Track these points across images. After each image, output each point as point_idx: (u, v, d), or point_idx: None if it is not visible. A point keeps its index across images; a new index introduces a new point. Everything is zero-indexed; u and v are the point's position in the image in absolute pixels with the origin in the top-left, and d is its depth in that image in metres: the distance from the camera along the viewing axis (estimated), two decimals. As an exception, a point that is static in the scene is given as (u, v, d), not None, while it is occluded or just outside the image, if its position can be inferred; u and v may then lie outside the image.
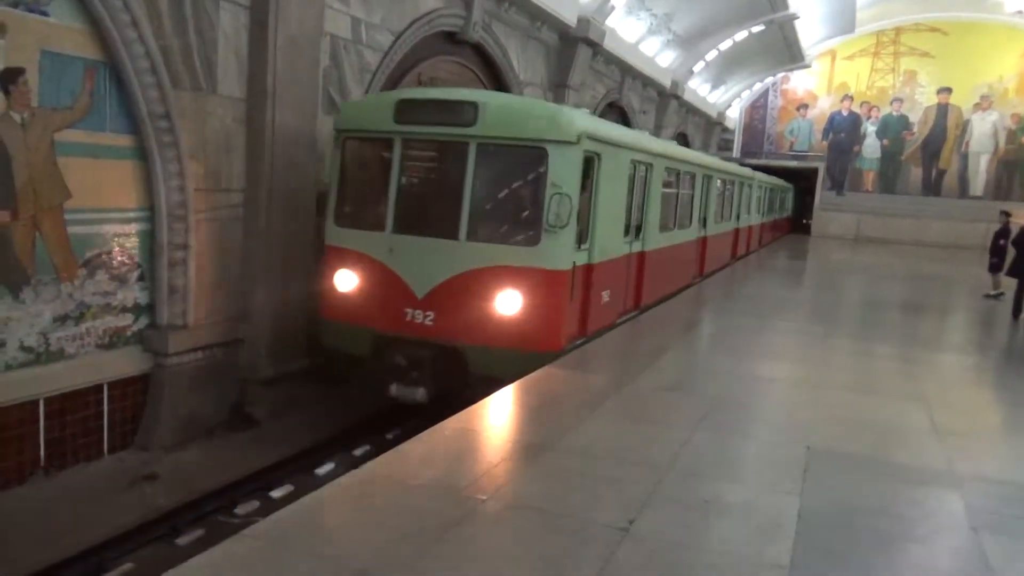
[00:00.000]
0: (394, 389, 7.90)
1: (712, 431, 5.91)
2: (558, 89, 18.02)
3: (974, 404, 7.85)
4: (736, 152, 37.75)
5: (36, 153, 7.18)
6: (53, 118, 7.29)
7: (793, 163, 37.11)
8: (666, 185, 11.78)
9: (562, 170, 7.69)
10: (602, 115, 19.62)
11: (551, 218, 7.51)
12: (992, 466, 5.57)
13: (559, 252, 7.76)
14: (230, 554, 3.56)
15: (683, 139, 30.23)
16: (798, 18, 26.99)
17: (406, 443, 5.08)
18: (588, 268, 8.50)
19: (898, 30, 35.75)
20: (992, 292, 16.03)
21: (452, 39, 13.78)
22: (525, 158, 7.88)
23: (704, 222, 15.26)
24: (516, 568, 3.60)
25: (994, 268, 16.06)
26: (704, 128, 34.58)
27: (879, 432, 6.20)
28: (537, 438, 5.37)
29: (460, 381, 7.79)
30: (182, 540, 6.65)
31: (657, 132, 25.14)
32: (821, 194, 37.53)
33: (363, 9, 10.98)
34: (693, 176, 13.87)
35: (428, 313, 7.88)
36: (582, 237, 8.26)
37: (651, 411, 6.41)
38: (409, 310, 7.94)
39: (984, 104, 34.80)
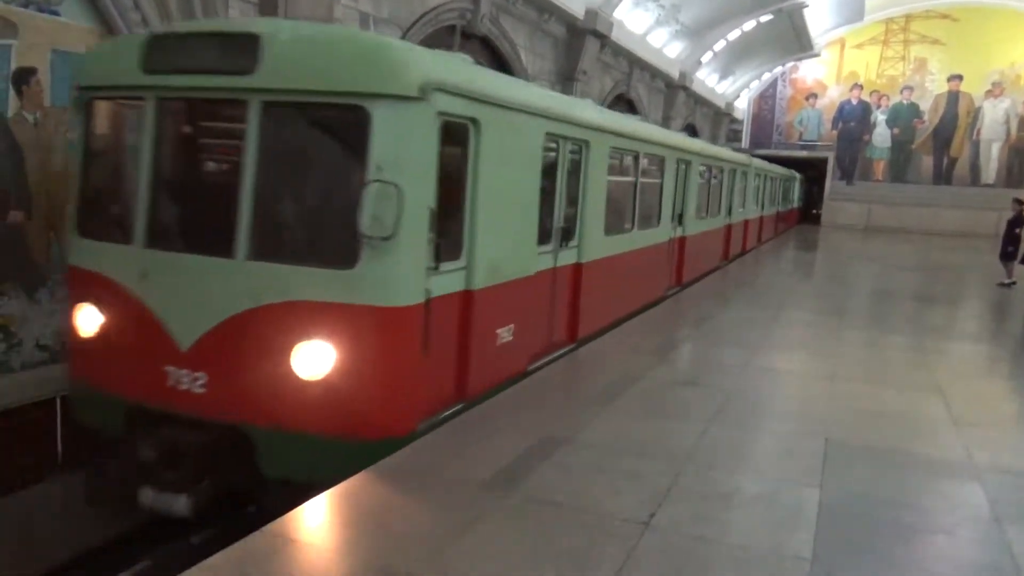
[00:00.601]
0: (144, 495, 5.07)
1: (728, 424, 5.88)
2: (566, 82, 17.96)
3: (991, 394, 7.80)
4: (745, 143, 37.59)
5: (49, 153, 7.20)
6: (65, 117, 7.30)
7: (802, 153, 36.97)
8: (615, 172, 9.05)
9: (393, 144, 4.81)
10: (610, 107, 19.41)
11: (367, 224, 4.66)
12: (1012, 457, 5.53)
13: (392, 278, 4.91)
14: (250, 551, 3.57)
15: (691, 130, 30.09)
16: (807, 6, 26.83)
17: (423, 438, 5.08)
18: (465, 297, 5.73)
19: (908, 17, 35.49)
20: (1006, 281, 15.92)
21: (460, 33, 13.75)
22: (335, 124, 5.13)
23: (680, 219, 12.39)
24: (537, 563, 3.59)
25: (1007, 256, 15.95)
26: (712, 119, 34.43)
27: (897, 423, 6.17)
28: (555, 432, 5.37)
29: (248, 483, 5.17)
30: (196, 538, 6.65)
31: (665, 123, 25.06)
32: (831, 184, 37.36)
33: (371, 4, 10.96)
34: (661, 161, 11.03)
35: (197, 375, 5.10)
36: (446, 251, 5.39)
37: (666, 405, 6.39)
38: (171, 369, 5.14)
39: (996, 91, 34.51)
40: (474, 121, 5.59)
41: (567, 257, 7.68)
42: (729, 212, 17.26)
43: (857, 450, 5.43)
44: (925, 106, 35.82)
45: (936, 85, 35.56)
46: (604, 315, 8.85)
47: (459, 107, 5.37)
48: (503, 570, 3.53)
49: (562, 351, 7.71)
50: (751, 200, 20.27)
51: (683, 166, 12.27)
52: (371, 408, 5.00)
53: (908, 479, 4.96)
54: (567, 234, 7.63)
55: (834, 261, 22.26)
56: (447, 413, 5.60)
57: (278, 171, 5.21)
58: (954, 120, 35.34)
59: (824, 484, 4.74)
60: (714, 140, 31.80)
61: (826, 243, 27.95)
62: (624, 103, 22.90)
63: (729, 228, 17.47)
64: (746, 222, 19.79)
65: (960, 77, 34.96)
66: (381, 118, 4.80)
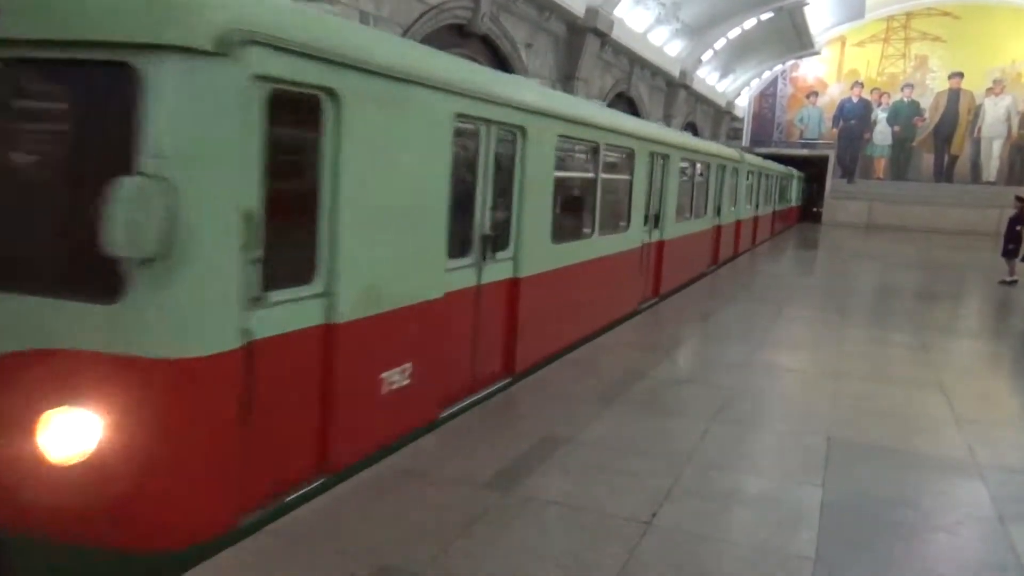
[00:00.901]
0: None
1: (730, 423, 5.87)
2: (567, 80, 17.95)
3: (993, 392, 7.78)
4: (745, 141, 37.56)
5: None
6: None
7: (803, 151, 36.92)
8: (566, 166, 7.79)
9: (180, 120, 3.36)
10: (611, 106, 19.26)
11: (117, 237, 3.13)
12: (1015, 455, 5.52)
13: (179, 315, 3.43)
14: (252, 551, 3.56)
15: (692, 128, 30.10)
16: (807, 4, 26.82)
17: (424, 437, 5.07)
18: (325, 335, 4.18)
19: (909, 15, 35.45)
20: (1007, 278, 15.90)
21: (460, 31, 13.76)
22: (95, 91, 3.56)
23: (657, 220, 11.00)
24: (540, 563, 3.58)
25: (1009, 254, 15.94)
26: (713, 117, 34.41)
27: (899, 421, 6.16)
28: (555, 431, 5.36)
29: None
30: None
31: (666, 122, 25.04)
32: (832, 182, 37.34)
33: (372, 3, 10.94)
34: (630, 154, 9.55)
35: None
36: (287, 274, 3.93)
37: (668, 404, 6.38)
38: None
39: (997, 88, 34.48)
40: (331, 93, 4.04)
41: (498, 271, 6.20)
42: (718, 212, 15.89)
43: (859, 448, 5.42)
44: (926, 104, 35.78)
45: (937, 83, 35.51)
46: (555, 338, 7.46)
47: (301, 71, 3.80)
48: (504, 570, 3.52)
49: (495, 386, 6.28)
50: (743, 199, 19.00)
51: (659, 161, 10.85)
52: (156, 503, 3.46)
53: (910, 477, 4.95)
54: (498, 243, 6.13)
55: (834, 261, 22.16)
56: (299, 494, 4.11)
57: (16, 160, 3.76)
58: (955, 118, 35.30)
59: (826, 483, 4.73)
60: (715, 138, 31.78)
61: (826, 242, 27.90)
62: (625, 102, 22.89)
63: (718, 230, 16.10)
64: (738, 223, 18.53)
65: (961, 75, 34.92)
66: (159, 81, 3.28)
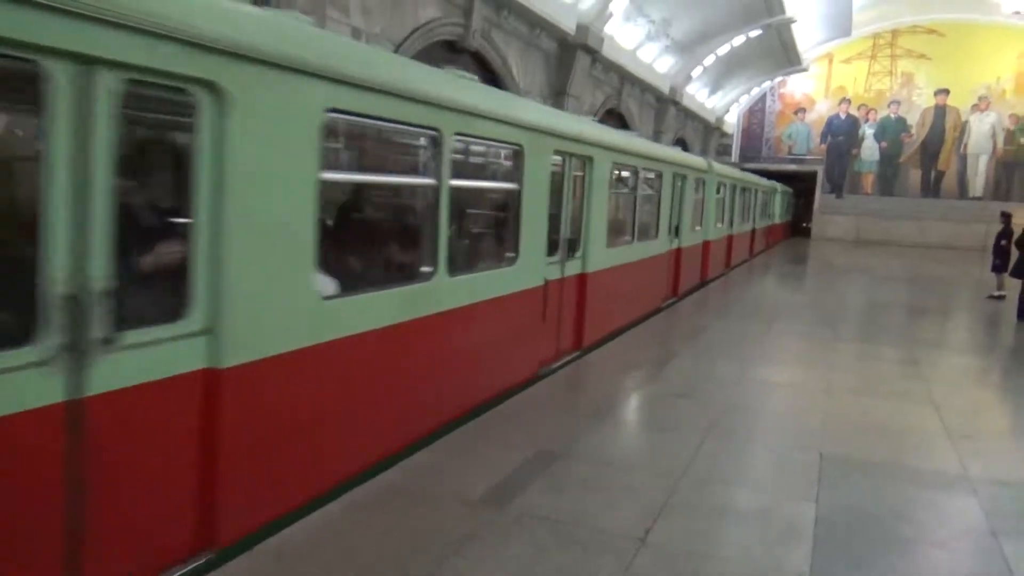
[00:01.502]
0: None
1: (723, 438, 5.86)
2: (558, 96, 18.05)
3: (984, 406, 7.80)
4: (734, 157, 37.84)
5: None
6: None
7: (792, 167, 37.21)
8: (356, 165, 5.89)
9: None
10: (601, 122, 19.16)
11: None
12: (1006, 469, 5.52)
13: None
14: (242, 571, 3.51)
15: (682, 144, 30.29)
16: (795, 22, 27.10)
17: (416, 454, 5.03)
18: None
19: (895, 32, 35.91)
20: (995, 293, 16.03)
21: (452, 48, 13.83)
22: None
23: (574, 247, 8.15)
24: (533, 580, 3.55)
25: (997, 269, 16.07)
26: (703, 133, 34.65)
27: (891, 436, 6.16)
28: (549, 447, 5.33)
29: None
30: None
31: (656, 137, 25.19)
32: (820, 197, 37.63)
33: (363, 20, 10.99)
34: (517, 154, 6.57)
35: None
36: None
37: (661, 419, 6.37)
38: None
39: (982, 105, 34.90)
40: None
41: (155, 364, 3.25)
42: (676, 233, 13.02)
43: (852, 463, 5.41)
44: (912, 120, 36.16)
45: (923, 99, 35.93)
46: (338, 461, 4.47)
47: None
48: (498, 588, 3.49)
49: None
50: (712, 216, 16.16)
51: (574, 165, 7.95)
52: None
53: (903, 492, 4.95)
54: (147, 307, 3.37)
55: (821, 279, 22.01)
56: None
57: None
58: (941, 134, 35.70)
59: (820, 498, 4.72)
60: (704, 154, 31.95)
61: (814, 259, 27.98)
62: (615, 117, 23.02)
63: (678, 254, 13.29)
64: (706, 244, 15.72)
65: (947, 91, 35.34)
66: None
